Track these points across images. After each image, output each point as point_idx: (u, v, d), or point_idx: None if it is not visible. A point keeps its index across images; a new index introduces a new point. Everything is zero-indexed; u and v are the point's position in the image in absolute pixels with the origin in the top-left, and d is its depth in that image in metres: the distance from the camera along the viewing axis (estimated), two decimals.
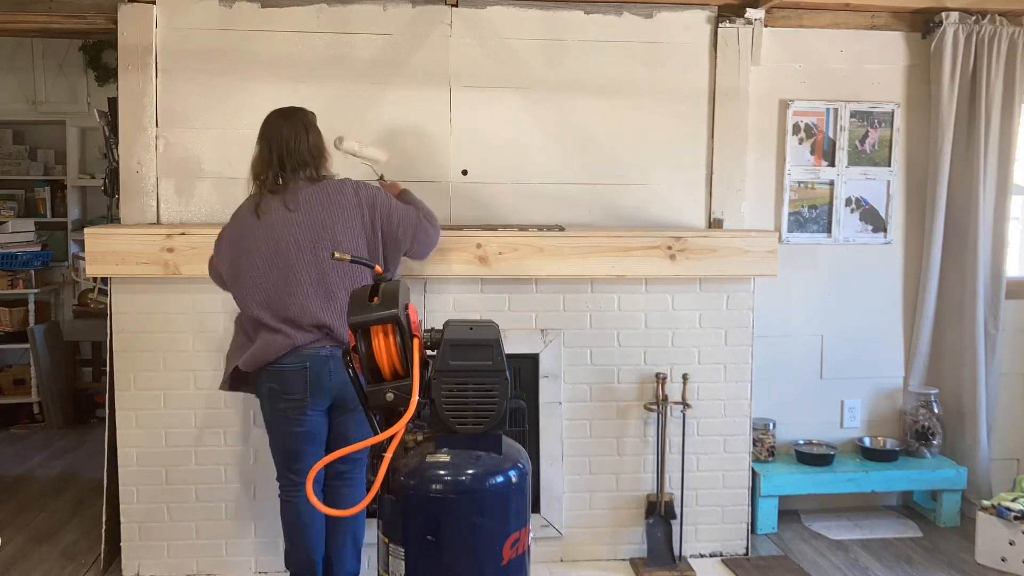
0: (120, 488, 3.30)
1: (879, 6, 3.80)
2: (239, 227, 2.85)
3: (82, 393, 5.76)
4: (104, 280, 4.25)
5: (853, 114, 3.90)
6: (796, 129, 3.89)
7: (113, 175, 3.60)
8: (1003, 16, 3.83)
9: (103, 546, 3.39)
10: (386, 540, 2.26)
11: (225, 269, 2.88)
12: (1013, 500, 3.44)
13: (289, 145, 2.82)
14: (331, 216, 2.79)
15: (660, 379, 3.42)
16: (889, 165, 3.95)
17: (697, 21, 3.67)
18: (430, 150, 3.58)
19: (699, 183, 3.72)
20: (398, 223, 2.90)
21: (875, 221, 3.97)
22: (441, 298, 3.35)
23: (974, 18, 3.81)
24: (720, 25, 3.66)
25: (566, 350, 3.42)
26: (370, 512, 2.36)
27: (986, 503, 3.51)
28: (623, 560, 3.49)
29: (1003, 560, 3.43)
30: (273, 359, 2.77)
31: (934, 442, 3.95)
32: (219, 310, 3.24)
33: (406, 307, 2.38)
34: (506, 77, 3.60)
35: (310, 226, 2.77)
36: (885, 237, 3.98)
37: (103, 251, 3.16)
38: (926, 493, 3.99)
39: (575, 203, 3.67)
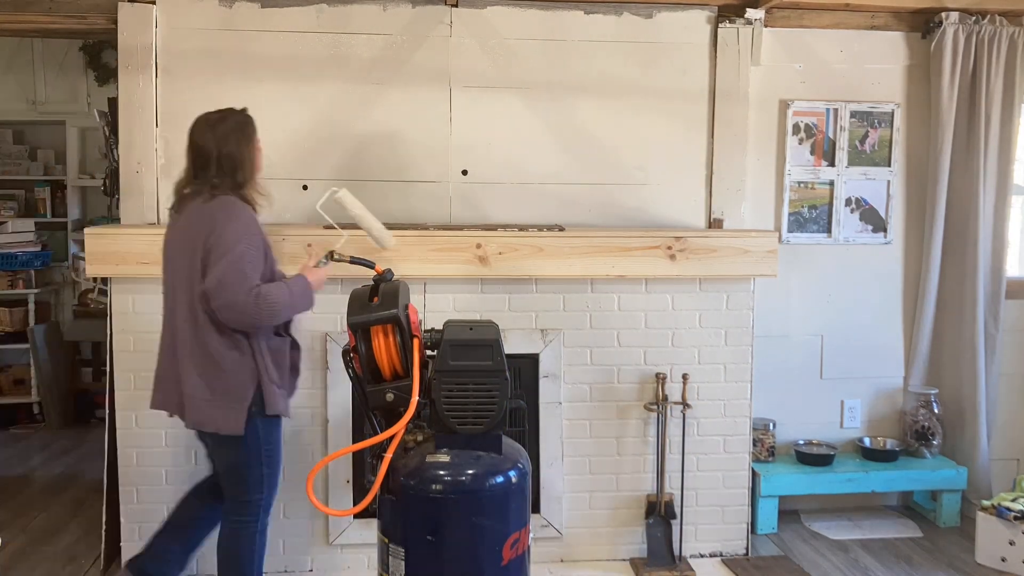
0: (120, 488, 3.30)
1: (879, 6, 3.80)
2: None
3: (82, 393, 5.75)
4: (104, 280, 4.24)
5: (853, 114, 3.90)
6: (796, 129, 3.89)
7: (113, 175, 3.60)
8: (1003, 16, 3.83)
9: (103, 546, 3.38)
10: (386, 540, 2.27)
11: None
12: (1013, 500, 3.44)
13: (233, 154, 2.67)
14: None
15: (660, 379, 3.42)
16: (889, 165, 3.95)
17: (697, 21, 3.67)
18: (430, 150, 3.59)
19: (699, 183, 3.72)
20: (212, 276, 2.51)
21: (875, 221, 3.97)
22: (441, 298, 3.35)
23: (974, 18, 3.81)
24: (720, 25, 3.66)
25: (566, 350, 3.42)
26: (370, 512, 2.36)
27: (986, 503, 3.51)
28: (623, 560, 3.49)
29: (1003, 560, 3.43)
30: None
31: (934, 442, 3.95)
32: None
33: (406, 307, 2.38)
34: (506, 77, 3.60)
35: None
36: (885, 237, 3.98)
37: (103, 251, 3.16)
38: (926, 493, 3.99)
39: (575, 203, 3.67)
